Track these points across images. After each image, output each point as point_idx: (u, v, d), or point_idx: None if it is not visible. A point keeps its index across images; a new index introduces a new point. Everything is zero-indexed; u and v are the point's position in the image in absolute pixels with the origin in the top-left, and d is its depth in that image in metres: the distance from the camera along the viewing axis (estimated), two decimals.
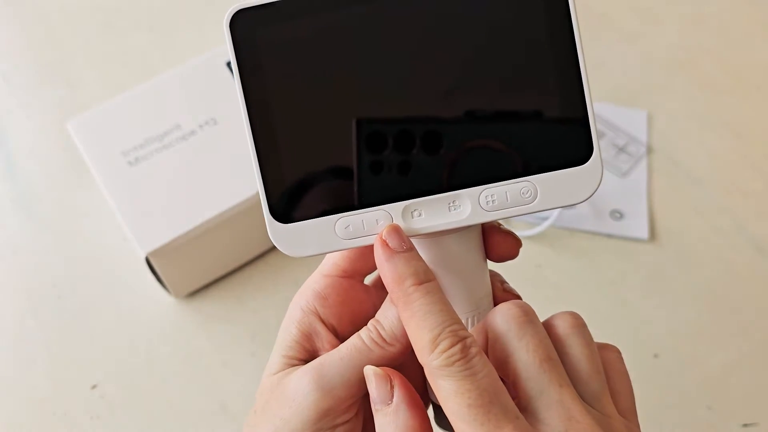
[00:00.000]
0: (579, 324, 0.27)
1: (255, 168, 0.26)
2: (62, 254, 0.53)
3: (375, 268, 0.30)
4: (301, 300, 0.29)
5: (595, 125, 0.26)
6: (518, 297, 0.30)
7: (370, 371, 0.25)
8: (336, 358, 0.26)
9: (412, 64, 0.25)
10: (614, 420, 0.25)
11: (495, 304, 0.29)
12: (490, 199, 0.26)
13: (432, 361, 0.23)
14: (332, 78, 0.26)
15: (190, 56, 0.55)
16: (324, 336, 0.28)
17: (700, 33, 0.68)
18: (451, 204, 0.26)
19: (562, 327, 0.26)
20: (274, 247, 0.53)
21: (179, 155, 0.50)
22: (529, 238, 0.54)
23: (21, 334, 0.50)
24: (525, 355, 0.24)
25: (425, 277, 0.25)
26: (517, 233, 0.53)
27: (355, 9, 0.25)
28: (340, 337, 0.28)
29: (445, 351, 0.23)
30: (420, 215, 0.26)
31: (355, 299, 0.30)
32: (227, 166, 0.49)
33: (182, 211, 0.47)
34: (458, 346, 0.23)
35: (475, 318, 0.28)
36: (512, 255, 0.29)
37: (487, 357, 0.26)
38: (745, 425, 0.46)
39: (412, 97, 0.26)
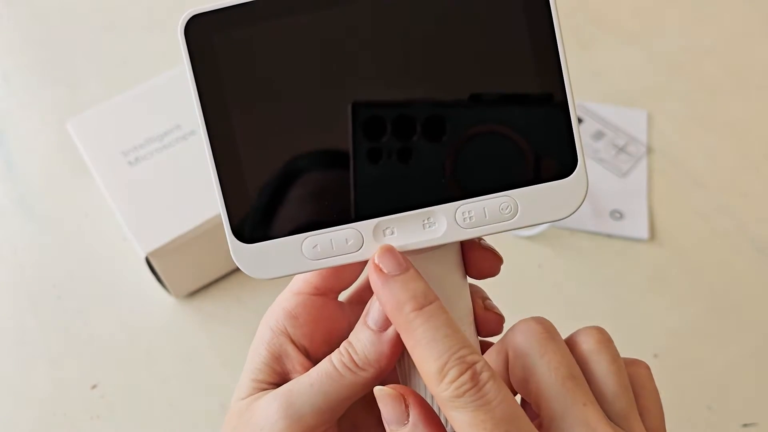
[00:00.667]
0: (604, 340, 0.25)
1: (215, 185, 0.24)
2: (62, 254, 0.53)
3: (349, 285, 0.29)
4: (270, 320, 0.28)
5: (580, 136, 0.24)
6: (500, 315, 0.28)
7: (381, 392, 0.24)
8: (306, 384, 0.25)
9: (382, 69, 0.24)
10: None
11: (476, 323, 0.28)
12: (467, 215, 0.24)
13: (441, 392, 0.22)
14: (296, 87, 0.24)
15: None
16: (295, 358, 0.27)
17: (700, 33, 0.68)
18: (426, 221, 0.24)
19: (587, 343, 0.25)
20: None
21: (179, 155, 0.50)
22: (530, 238, 0.54)
23: (21, 334, 0.50)
24: (547, 373, 0.23)
25: (425, 300, 0.23)
26: (518, 233, 0.53)
27: (311, 15, 0.23)
28: (313, 358, 0.27)
29: (453, 381, 0.21)
30: (392, 233, 0.24)
31: (329, 318, 0.28)
32: None
33: (182, 211, 0.47)
34: (467, 374, 0.21)
35: None
36: (493, 272, 0.27)
37: (508, 376, 0.25)
38: (745, 425, 0.46)
39: (383, 108, 0.24)
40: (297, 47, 0.24)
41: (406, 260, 0.24)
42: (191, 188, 0.48)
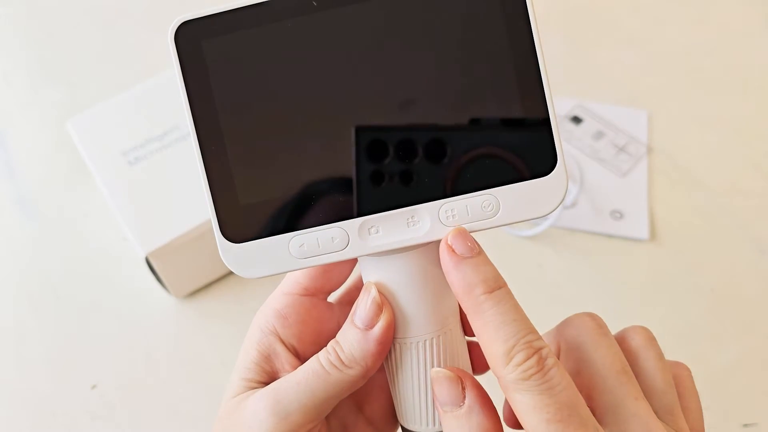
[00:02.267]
0: (651, 338, 0.26)
1: (204, 186, 0.25)
2: (62, 254, 0.53)
3: (338, 286, 0.29)
4: (260, 320, 0.28)
5: (559, 134, 0.24)
6: None
7: (438, 373, 0.25)
8: (293, 383, 0.25)
9: (366, 75, 0.24)
10: None
11: (462, 322, 0.28)
12: (449, 213, 0.25)
13: (508, 374, 0.22)
14: (283, 93, 0.24)
15: None
16: (284, 357, 0.27)
17: (700, 33, 0.68)
18: (410, 219, 0.25)
19: (636, 340, 0.26)
20: None
21: (179, 155, 0.50)
22: (530, 238, 0.54)
23: (21, 334, 0.50)
24: (601, 367, 0.24)
25: (495, 284, 0.23)
26: (518, 233, 0.53)
27: (300, 23, 0.24)
28: (302, 358, 0.27)
29: (520, 364, 0.22)
30: (377, 232, 0.25)
31: (318, 318, 0.28)
32: None
33: (182, 211, 0.47)
34: (534, 359, 0.22)
35: (440, 338, 0.26)
36: None
37: None
38: (746, 425, 0.46)
39: (366, 108, 0.24)
40: (284, 54, 0.24)
41: (477, 244, 0.24)
42: (191, 188, 0.48)
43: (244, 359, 0.27)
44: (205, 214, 0.47)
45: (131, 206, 0.48)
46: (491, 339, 0.23)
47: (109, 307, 0.51)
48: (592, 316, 0.26)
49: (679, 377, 0.27)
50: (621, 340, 0.26)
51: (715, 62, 0.66)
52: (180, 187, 0.48)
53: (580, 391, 0.24)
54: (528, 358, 0.22)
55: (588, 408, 0.23)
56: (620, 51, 0.66)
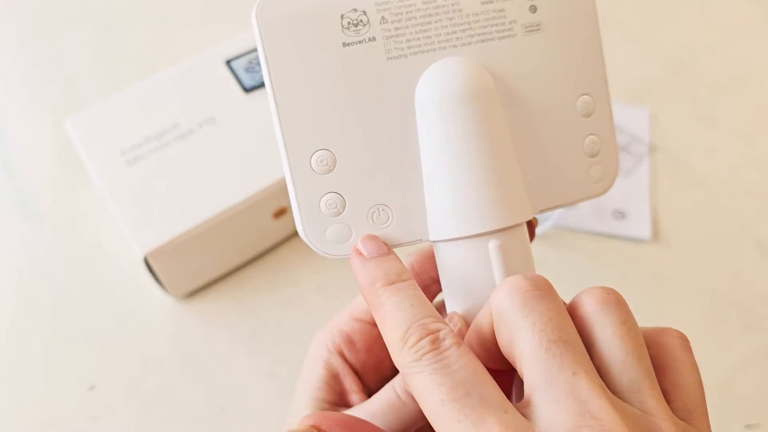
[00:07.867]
0: (611, 300, 0.22)
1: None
2: (60, 254, 0.53)
3: None
4: (326, 339, 0.27)
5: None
6: None
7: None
8: (368, 414, 0.24)
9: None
10: (659, 418, 0.20)
11: None
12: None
13: (402, 359, 0.21)
14: None
15: (188, 55, 0.55)
16: (351, 378, 0.27)
17: (703, 32, 0.68)
18: None
19: (589, 304, 0.22)
20: (273, 248, 0.53)
21: (178, 154, 0.49)
22: None
23: (19, 334, 0.50)
24: (530, 336, 0.20)
25: (397, 278, 0.23)
26: None
27: None
28: (363, 382, 0.27)
29: (413, 345, 0.20)
30: None
31: (383, 347, 0.27)
32: (226, 166, 0.49)
33: (181, 211, 0.47)
34: (427, 339, 0.20)
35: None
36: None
37: (496, 341, 0.22)
38: (748, 426, 0.46)
39: None
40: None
41: (388, 247, 0.24)
42: (190, 188, 0.48)
43: (312, 378, 0.27)
44: (204, 214, 0.47)
45: (130, 206, 0.47)
46: (388, 328, 0.22)
47: (107, 308, 0.51)
48: (529, 277, 0.22)
49: (664, 347, 0.22)
50: (573, 306, 0.23)
51: (716, 61, 0.65)
52: (179, 186, 0.48)
53: (518, 369, 0.21)
54: (421, 339, 0.20)
55: (498, 389, 0.20)
56: (622, 50, 0.66)
